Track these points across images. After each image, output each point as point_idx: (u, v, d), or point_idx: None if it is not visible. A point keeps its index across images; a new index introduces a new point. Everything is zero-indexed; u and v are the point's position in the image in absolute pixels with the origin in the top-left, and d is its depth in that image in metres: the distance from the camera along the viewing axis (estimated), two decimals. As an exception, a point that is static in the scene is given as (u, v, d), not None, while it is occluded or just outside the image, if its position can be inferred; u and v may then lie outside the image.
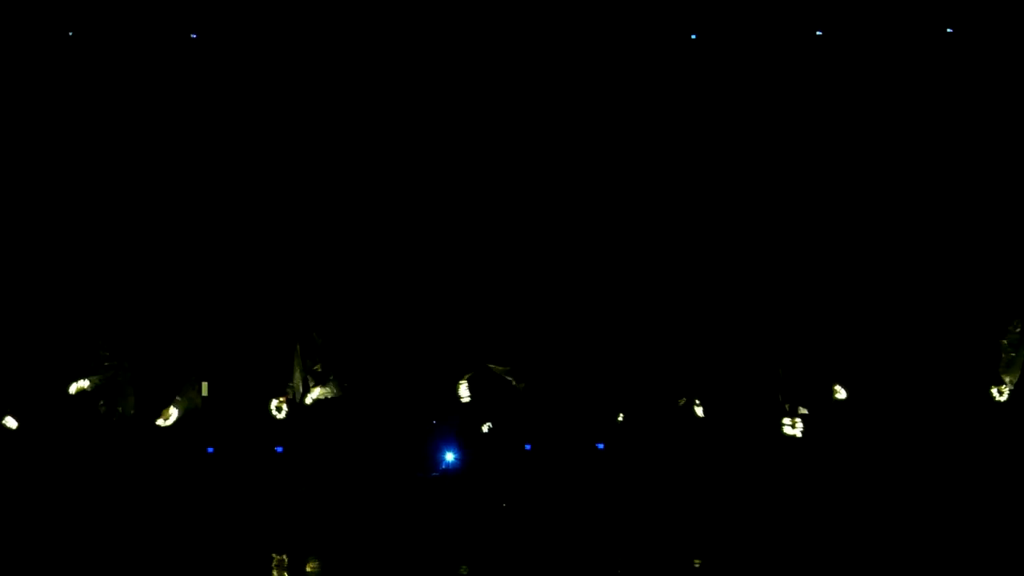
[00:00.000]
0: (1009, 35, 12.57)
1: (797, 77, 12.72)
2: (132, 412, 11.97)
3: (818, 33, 12.73)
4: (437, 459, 12.12)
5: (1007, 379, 11.91)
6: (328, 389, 12.10)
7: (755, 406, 12.11)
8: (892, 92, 12.67)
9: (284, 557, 10.71)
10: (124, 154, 12.66)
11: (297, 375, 12.13)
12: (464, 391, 12.15)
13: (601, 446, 12.20)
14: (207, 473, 11.91)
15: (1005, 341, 11.96)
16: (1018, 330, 11.95)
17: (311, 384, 12.09)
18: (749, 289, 12.48)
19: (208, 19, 12.72)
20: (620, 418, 12.15)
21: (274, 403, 12.01)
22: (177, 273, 12.48)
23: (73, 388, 11.88)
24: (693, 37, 12.75)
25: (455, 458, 12.10)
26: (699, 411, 12.11)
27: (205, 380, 12.19)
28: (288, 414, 12.10)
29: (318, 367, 12.12)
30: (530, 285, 12.57)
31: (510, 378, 12.17)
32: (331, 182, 12.71)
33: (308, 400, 12.06)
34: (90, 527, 11.30)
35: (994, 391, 11.90)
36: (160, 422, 11.93)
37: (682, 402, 12.11)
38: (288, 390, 12.10)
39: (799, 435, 11.92)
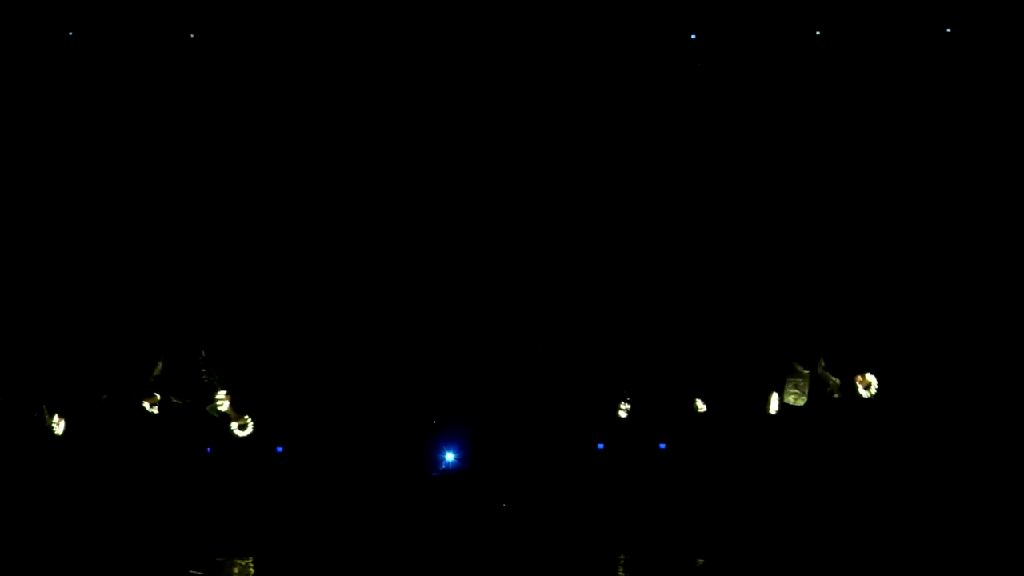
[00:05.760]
0: (1009, 35, 12.57)
1: (797, 77, 12.73)
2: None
3: (817, 33, 12.74)
4: (437, 459, 12.12)
5: None
6: None
7: (755, 404, 12.14)
8: (891, 92, 12.68)
9: (284, 557, 10.70)
10: (122, 153, 12.67)
11: None
12: None
13: (601, 446, 12.21)
14: (207, 473, 11.91)
15: None
16: None
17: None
18: (749, 289, 12.49)
19: (208, 19, 12.73)
20: (621, 415, 12.18)
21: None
22: (183, 272, 12.49)
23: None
24: (693, 37, 12.75)
25: (455, 458, 12.11)
26: (701, 407, 12.13)
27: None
28: (287, 414, 12.14)
29: None
30: (530, 285, 12.57)
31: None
32: (327, 180, 12.72)
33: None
34: (91, 526, 11.30)
35: None
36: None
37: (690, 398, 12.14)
38: None
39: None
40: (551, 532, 11.46)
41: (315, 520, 11.56)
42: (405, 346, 12.37)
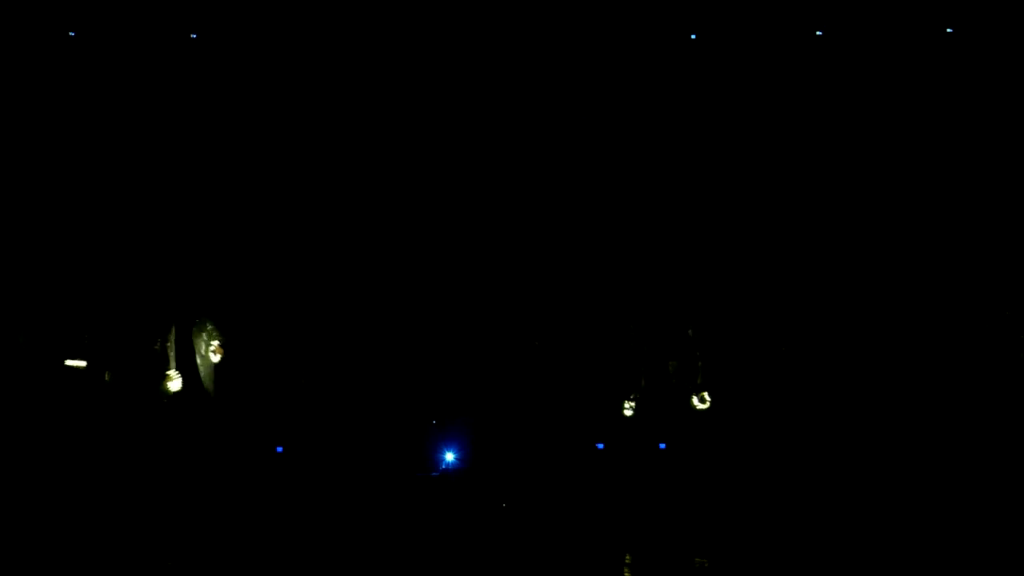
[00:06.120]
0: (1009, 35, 12.58)
1: (797, 77, 12.73)
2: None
3: (818, 33, 12.74)
4: (437, 459, 12.12)
5: None
6: None
7: (755, 404, 12.14)
8: (892, 92, 12.69)
9: (284, 557, 10.70)
10: (122, 153, 12.69)
11: None
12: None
13: (601, 446, 12.21)
14: (208, 473, 11.92)
15: None
16: None
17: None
18: (749, 288, 12.50)
19: (208, 19, 12.74)
20: (627, 413, 12.19)
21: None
22: (182, 274, 12.51)
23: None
24: (693, 37, 12.76)
25: (455, 458, 12.11)
26: (700, 407, 12.14)
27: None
28: (288, 414, 12.15)
29: None
30: (530, 285, 12.58)
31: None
32: (327, 180, 12.73)
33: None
34: (91, 526, 11.30)
35: None
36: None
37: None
38: None
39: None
40: (551, 532, 11.45)
41: (315, 520, 11.55)
42: (405, 346, 12.38)
